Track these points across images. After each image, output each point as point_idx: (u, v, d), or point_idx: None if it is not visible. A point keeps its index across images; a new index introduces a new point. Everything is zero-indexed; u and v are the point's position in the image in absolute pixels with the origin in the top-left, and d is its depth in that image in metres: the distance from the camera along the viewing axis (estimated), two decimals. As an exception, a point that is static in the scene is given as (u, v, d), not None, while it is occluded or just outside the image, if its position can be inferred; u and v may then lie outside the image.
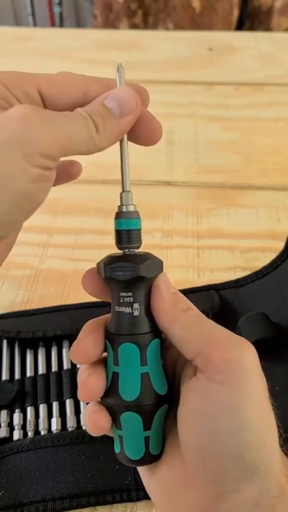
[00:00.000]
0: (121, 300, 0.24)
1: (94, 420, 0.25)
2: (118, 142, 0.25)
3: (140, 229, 0.25)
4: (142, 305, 0.25)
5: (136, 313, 0.24)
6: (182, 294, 0.26)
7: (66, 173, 0.28)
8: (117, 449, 0.26)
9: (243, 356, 0.23)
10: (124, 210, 0.25)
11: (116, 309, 0.25)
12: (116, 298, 0.25)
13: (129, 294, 0.24)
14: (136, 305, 0.24)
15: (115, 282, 0.24)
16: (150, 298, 0.25)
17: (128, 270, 0.24)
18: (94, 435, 0.25)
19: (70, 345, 0.42)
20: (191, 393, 0.24)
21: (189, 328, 0.24)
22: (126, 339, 0.24)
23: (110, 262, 0.24)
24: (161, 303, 0.25)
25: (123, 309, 0.24)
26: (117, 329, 0.25)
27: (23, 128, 0.19)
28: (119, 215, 0.25)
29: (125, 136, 0.25)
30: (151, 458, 0.26)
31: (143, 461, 0.26)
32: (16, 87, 0.22)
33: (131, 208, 0.25)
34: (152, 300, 0.25)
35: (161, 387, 0.25)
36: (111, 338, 0.25)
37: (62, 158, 0.23)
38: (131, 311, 0.24)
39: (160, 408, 0.25)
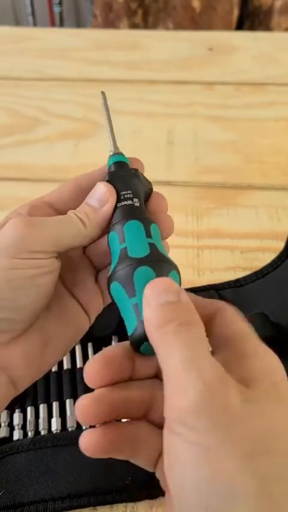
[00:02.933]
0: (122, 197, 0.28)
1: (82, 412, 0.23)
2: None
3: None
4: (141, 200, 0.29)
5: (137, 204, 0.28)
6: (187, 298, 0.22)
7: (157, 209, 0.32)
8: (131, 325, 0.24)
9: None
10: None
11: (118, 205, 0.28)
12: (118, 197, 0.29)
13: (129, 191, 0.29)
14: (136, 199, 0.28)
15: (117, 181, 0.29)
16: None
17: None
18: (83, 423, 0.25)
19: (70, 345, 0.42)
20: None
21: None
22: (132, 218, 0.27)
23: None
24: (146, 319, 0.21)
25: (124, 202, 0.28)
26: (122, 215, 0.27)
27: (12, 234, 0.26)
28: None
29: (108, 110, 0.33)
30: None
31: None
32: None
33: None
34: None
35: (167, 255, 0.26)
36: (117, 223, 0.27)
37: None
38: (132, 203, 0.28)
39: (172, 271, 0.25)
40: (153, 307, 0.21)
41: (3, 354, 0.27)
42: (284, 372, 0.21)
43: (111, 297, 0.26)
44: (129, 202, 0.28)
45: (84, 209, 0.29)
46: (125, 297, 0.24)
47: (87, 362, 0.24)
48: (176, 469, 0.19)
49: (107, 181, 0.29)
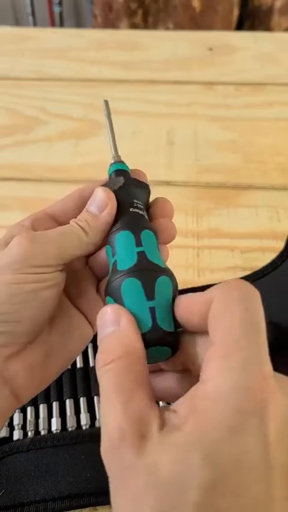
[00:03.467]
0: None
1: None
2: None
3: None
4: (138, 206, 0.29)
5: (132, 210, 0.28)
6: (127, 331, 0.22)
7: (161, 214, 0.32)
8: None
9: None
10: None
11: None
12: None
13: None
14: (131, 208, 0.29)
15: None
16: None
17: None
18: None
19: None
20: None
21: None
22: (122, 229, 0.27)
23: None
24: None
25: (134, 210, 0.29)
26: (114, 227, 0.28)
27: (17, 251, 0.26)
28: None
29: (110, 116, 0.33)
30: (162, 337, 0.23)
31: (152, 338, 0.23)
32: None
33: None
34: None
35: (158, 261, 0.26)
36: (111, 235, 0.28)
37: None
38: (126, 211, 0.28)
39: (160, 277, 0.25)
40: (99, 344, 0.22)
41: (6, 367, 0.27)
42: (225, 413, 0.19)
43: None
44: (125, 211, 0.28)
45: (84, 217, 0.29)
46: None
47: None
48: None
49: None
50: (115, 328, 0.22)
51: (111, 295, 0.25)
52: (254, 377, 0.19)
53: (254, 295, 0.21)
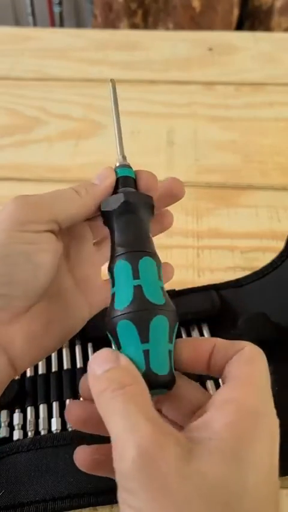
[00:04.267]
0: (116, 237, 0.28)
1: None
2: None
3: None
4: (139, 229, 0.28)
5: (131, 237, 0.28)
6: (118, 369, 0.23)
7: (161, 226, 0.33)
8: None
9: None
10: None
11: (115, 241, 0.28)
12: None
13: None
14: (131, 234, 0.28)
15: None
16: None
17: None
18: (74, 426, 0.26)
19: (70, 345, 0.42)
20: None
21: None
22: (120, 258, 0.27)
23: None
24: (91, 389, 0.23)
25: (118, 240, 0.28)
26: (114, 255, 0.28)
27: (8, 208, 0.27)
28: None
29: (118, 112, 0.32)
30: (158, 382, 0.24)
31: (148, 384, 0.23)
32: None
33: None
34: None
35: (155, 297, 0.25)
36: (111, 262, 0.28)
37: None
38: (126, 238, 0.28)
39: (155, 318, 0.25)
40: (93, 378, 0.23)
41: (4, 333, 0.27)
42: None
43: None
44: (124, 234, 0.28)
45: (84, 184, 0.30)
46: (115, 346, 0.25)
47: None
48: None
49: (102, 211, 0.29)
50: (115, 365, 0.23)
51: (110, 332, 0.26)
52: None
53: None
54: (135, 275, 0.26)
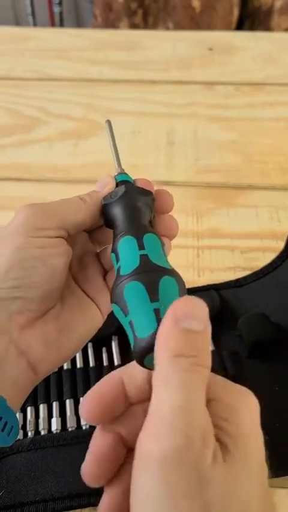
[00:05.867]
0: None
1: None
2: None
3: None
4: (139, 213, 0.29)
5: (133, 219, 0.28)
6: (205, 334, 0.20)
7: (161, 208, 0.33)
8: (131, 343, 0.23)
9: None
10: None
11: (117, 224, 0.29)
12: None
13: None
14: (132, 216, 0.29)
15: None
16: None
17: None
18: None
19: (70, 345, 0.42)
20: None
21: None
22: (124, 235, 0.27)
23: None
24: (164, 335, 0.20)
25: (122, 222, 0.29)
26: (117, 234, 0.28)
27: (20, 215, 0.29)
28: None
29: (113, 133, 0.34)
30: None
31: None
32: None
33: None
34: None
35: (162, 263, 0.25)
36: (113, 243, 0.28)
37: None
38: (128, 220, 0.29)
39: (163, 278, 0.24)
40: (175, 331, 0.20)
41: (22, 337, 0.28)
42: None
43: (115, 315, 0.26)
44: (127, 219, 0.29)
45: (89, 193, 0.32)
46: (122, 316, 0.24)
47: (82, 400, 0.24)
48: (138, 496, 0.19)
49: (104, 204, 0.31)
50: (203, 329, 0.20)
51: (115, 300, 0.24)
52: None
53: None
54: (141, 246, 0.26)
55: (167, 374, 0.19)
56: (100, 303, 0.32)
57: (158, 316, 0.22)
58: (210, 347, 0.21)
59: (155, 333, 0.21)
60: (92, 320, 0.32)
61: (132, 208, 0.29)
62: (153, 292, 0.23)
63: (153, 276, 0.24)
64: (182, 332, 0.20)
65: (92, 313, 0.32)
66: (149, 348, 0.22)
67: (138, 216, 0.29)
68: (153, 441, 0.18)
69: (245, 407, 0.20)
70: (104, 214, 0.30)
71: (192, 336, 0.20)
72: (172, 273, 0.25)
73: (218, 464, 0.18)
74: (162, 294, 0.23)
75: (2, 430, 0.26)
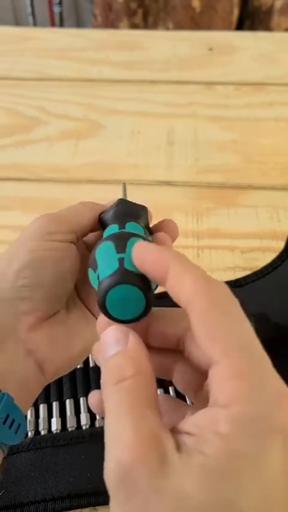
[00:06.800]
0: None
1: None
2: None
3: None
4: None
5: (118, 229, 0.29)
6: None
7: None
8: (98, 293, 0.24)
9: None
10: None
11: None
12: None
13: None
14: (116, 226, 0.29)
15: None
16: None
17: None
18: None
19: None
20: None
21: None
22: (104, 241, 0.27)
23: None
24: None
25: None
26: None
27: (34, 223, 0.31)
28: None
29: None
30: (129, 275, 0.23)
31: (118, 277, 0.22)
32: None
33: None
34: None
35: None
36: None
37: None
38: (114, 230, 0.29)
39: (132, 238, 0.25)
40: (102, 365, 0.22)
41: (30, 337, 0.29)
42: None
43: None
44: (114, 215, 0.30)
45: (90, 201, 0.34)
46: (93, 276, 0.25)
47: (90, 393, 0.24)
48: None
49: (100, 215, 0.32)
50: (122, 348, 0.21)
51: (90, 265, 0.25)
52: (276, 397, 0.18)
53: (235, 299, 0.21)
54: (121, 227, 0.28)
55: (105, 403, 0.20)
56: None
57: (122, 263, 0.23)
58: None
59: (115, 271, 0.23)
60: (95, 332, 0.32)
61: (121, 211, 0.30)
62: (120, 247, 0.24)
63: (123, 236, 0.25)
64: (107, 363, 0.21)
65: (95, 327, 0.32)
66: (107, 288, 0.23)
67: (125, 214, 0.30)
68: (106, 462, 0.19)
69: None
70: (100, 224, 0.32)
71: (112, 360, 0.21)
72: (144, 238, 0.26)
73: (163, 477, 0.17)
74: (128, 248, 0.24)
75: (9, 428, 0.26)
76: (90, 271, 0.26)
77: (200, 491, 0.17)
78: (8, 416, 0.26)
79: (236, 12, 1.36)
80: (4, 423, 0.26)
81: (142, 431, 0.18)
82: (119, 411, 0.19)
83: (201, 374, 0.23)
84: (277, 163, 0.63)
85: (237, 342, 0.20)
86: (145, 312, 0.23)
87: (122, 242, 0.24)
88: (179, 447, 0.18)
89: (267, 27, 1.37)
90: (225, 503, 0.16)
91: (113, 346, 0.22)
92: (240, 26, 1.41)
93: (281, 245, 0.51)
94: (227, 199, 0.58)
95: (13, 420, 0.26)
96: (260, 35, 0.93)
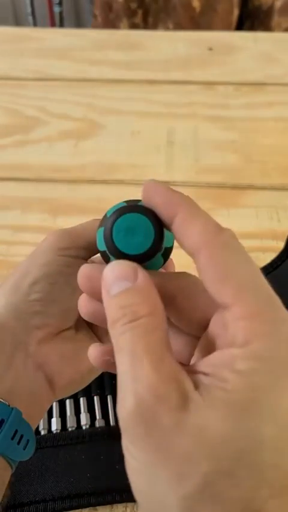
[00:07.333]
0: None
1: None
2: None
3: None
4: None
5: None
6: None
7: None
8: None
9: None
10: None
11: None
12: None
13: None
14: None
15: None
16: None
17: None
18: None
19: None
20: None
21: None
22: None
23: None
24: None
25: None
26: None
27: (52, 238, 0.31)
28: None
29: None
30: (137, 206, 0.22)
31: (127, 207, 0.22)
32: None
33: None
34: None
35: None
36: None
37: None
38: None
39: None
40: (107, 297, 0.20)
41: (40, 351, 0.29)
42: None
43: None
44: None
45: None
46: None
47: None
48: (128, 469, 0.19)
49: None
50: (131, 283, 0.20)
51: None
52: None
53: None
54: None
55: (114, 343, 0.19)
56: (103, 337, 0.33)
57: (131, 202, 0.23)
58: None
59: (123, 205, 0.22)
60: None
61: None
62: (130, 202, 0.23)
63: (135, 200, 0.23)
64: (113, 298, 0.20)
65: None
66: (115, 217, 0.22)
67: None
68: (118, 407, 0.18)
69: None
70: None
71: (123, 297, 0.20)
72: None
73: (180, 420, 0.17)
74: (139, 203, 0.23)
75: (18, 443, 0.26)
76: (98, 232, 0.23)
77: (224, 423, 0.17)
78: (16, 431, 0.26)
79: (236, 12, 1.36)
80: (12, 438, 0.26)
81: (163, 370, 0.18)
82: (136, 351, 0.18)
83: (190, 339, 0.24)
84: (277, 163, 0.63)
85: (251, 282, 0.20)
86: (154, 246, 0.22)
87: (133, 201, 0.23)
88: (197, 386, 0.18)
89: (267, 27, 1.37)
90: (248, 433, 0.17)
91: (121, 281, 0.20)
92: (240, 26, 1.41)
93: (281, 245, 0.51)
94: (227, 199, 0.58)
95: (22, 436, 0.26)
96: (260, 35, 0.93)
